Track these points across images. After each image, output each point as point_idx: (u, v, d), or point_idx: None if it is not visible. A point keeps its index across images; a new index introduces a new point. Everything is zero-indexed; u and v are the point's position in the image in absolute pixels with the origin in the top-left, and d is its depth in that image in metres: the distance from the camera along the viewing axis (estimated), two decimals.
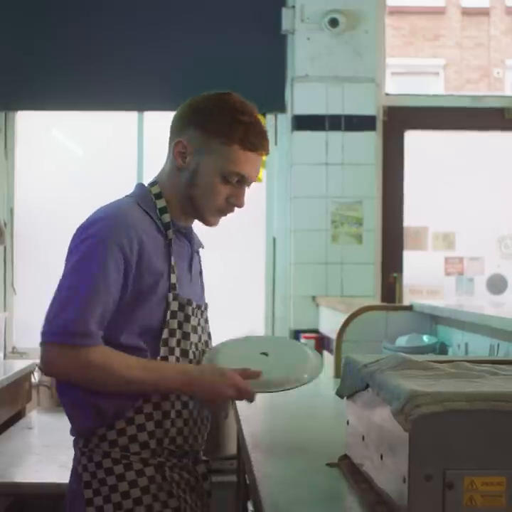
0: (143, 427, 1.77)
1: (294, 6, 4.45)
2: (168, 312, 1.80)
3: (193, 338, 1.86)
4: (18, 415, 3.47)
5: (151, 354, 1.79)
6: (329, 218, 4.43)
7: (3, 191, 4.62)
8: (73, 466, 1.83)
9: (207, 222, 1.91)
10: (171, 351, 1.81)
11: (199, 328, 1.89)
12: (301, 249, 4.44)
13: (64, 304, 1.72)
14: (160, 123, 4.77)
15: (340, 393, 1.69)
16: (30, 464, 2.78)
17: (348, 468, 1.60)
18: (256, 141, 1.84)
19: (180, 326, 1.82)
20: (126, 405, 1.76)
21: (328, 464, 1.66)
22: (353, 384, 1.58)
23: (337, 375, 3.07)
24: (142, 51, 4.52)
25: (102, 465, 1.76)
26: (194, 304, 1.86)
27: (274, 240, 4.58)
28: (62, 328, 1.68)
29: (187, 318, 1.83)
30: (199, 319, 1.89)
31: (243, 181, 1.87)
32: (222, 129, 1.82)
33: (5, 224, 4.59)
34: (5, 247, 4.60)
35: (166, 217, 1.86)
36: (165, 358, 1.79)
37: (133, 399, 1.76)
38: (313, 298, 4.41)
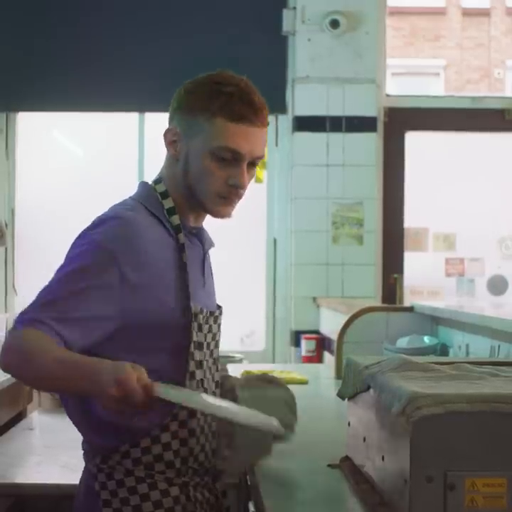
0: (169, 446, 1.64)
1: (294, 7, 4.45)
2: (190, 324, 1.64)
3: (205, 347, 1.71)
4: (19, 416, 3.46)
5: (172, 372, 1.62)
6: (330, 219, 4.43)
7: (4, 192, 4.63)
8: (85, 482, 1.68)
9: (214, 212, 1.72)
10: (199, 365, 1.67)
11: (209, 336, 1.73)
12: (302, 250, 4.44)
13: (42, 298, 1.56)
14: (161, 124, 4.79)
15: (341, 394, 1.69)
16: (31, 464, 2.78)
17: (350, 469, 1.60)
18: (242, 110, 1.64)
19: (194, 336, 1.67)
20: (152, 424, 1.62)
21: (329, 465, 1.66)
22: (354, 385, 1.59)
23: (338, 376, 3.07)
24: (143, 52, 4.53)
25: (124, 483, 1.62)
26: (205, 312, 1.70)
27: (275, 240, 4.59)
28: (23, 316, 1.54)
29: (199, 328, 1.68)
30: (210, 325, 1.74)
31: (239, 158, 1.66)
32: (205, 103, 1.66)
33: (6, 224, 4.59)
34: (6, 248, 4.60)
35: (176, 219, 1.70)
36: (192, 374, 1.65)
37: (160, 417, 1.61)
38: (314, 299, 4.41)
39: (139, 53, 4.53)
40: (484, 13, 14.65)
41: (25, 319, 1.52)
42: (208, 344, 1.73)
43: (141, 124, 4.64)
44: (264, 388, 1.81)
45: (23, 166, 4.68)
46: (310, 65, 4.42)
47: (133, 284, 1.59)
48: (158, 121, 4.56)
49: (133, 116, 4.64)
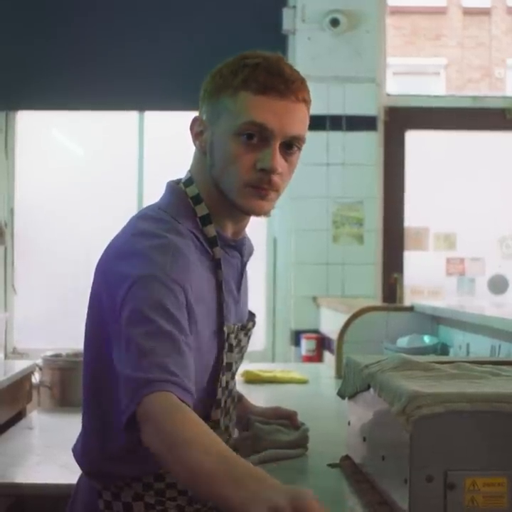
0: None
1: (294, 6, 4.45)
2: (222, 348, 1.46)
3: (233, 366, 1.55)
4: (19, 416, 3.45)
5: (206, 397, 1.46)
6: (330, 218, 4.42)
7: (3, 191, 4.62)
8: (86, 496, 1.51)
9: (246, 209, 1.47)
10: (223, 391, 1.50)
11: (237, 350, 1.54)
12: (302, 250, 4.43)
13: (140, 351, 1.29)
14: (160, 123, 4.80)
15: (341, 394, 1.68)
16: (30, 464, 2.77)
17: (350, 468, 1.59)
18: (268, 80, 1.38)
19: (225, 358, 1.50)
20: None
21: (329, 465, 1.65)
22: (354, 385, 1.58)
23: (338, 375, 3.06)
24: (142, 51, 4.52)
25: (131, 508, 1.46)
26: (234, 328, 1.51)
27: (275, 240, 4.58)
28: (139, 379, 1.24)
29: (230, 348, 1.49)
30: (240, 339, 1.55)
31: (268, 136, 1.39)
32: (227, 80, 1.42)
33: (5, 224, 4.59)
34: (5, 247, 4.60)
35: (211, 230, 1.46)
36: (219, 401, 1.49)
37: None
38: (314, 298, 4.41)
39: (139, 52, 4.52)
40: (485, 12, 14.66)
41: (145, 382, 1.22)
42: (236, 362, 1.57)
43: (141, 122, 4.63)
44: (280, 430, 1.78)
45: (23, 165, 4.67)
46: (310, 64, 4.41)
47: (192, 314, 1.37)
48: (158, 120, 4.59)
49: (132, 115, 4.64)
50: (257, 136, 1.40)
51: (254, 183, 1.42)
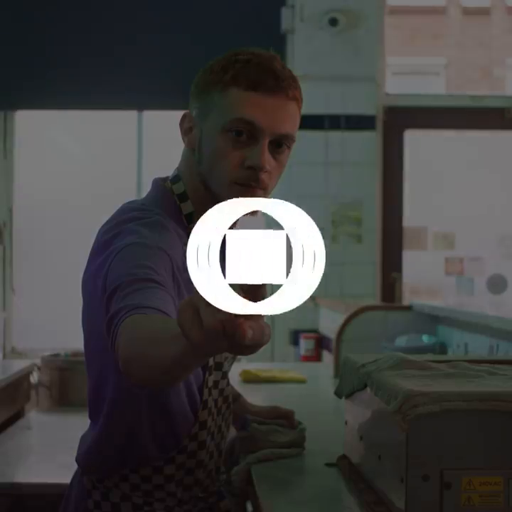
0: (171, 477, 1.46)
1: (293, 6, 4.45)
2: None
3: (224, 366, 1.54)
4: (17, 415, 3.46)
5: (193, 398, 1.46)
6: (329, 218, 4.42)
7: (2, 191, 4.62)
8: (77, 495, 1.51)
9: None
10: (209, 392, 1.49)
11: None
12: None
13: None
14: (160, 122, 4.80)
15: (338, 393, 1.68)
16: (29, 464, 2.78)
17: (347, 468, 1.59)
18: (259, 77, 1.36)
19: (211, 360, 1.47)
20: (155, 456, 1.45)
21: (326, 464, 1.65)
22: (351, 384, 1.58)
23: (336, 375, 3.06)
24: (141, 50, 4.52)
25: (120, 508, 1.46)
26: None
27: None
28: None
29: None
30: None
31: (257, 134, 1.37)
32: (218, 76, 1.41)
33: (4, 224, 4.59)
34: (4, 247, 4.60)
35: None
36: (205, 401, 1.48)
37: (165, 450, 1.46)
38: (313, 298, 4.41)
39: (138, 52, 4.53)
40: (484, 11, 14.64)
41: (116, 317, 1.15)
42: (227, 360, 1.53)
43: (140, 122, 4.64)
44: (277, 431, 1.78)
45: (21, 164, 4.68)
46: (309, 64, 4.42)
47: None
48: (157, 120, 4.59)
49: (131, 115, 4.64)
50: (245, 133, 1.38)
51: (242, 181, 1.39)
